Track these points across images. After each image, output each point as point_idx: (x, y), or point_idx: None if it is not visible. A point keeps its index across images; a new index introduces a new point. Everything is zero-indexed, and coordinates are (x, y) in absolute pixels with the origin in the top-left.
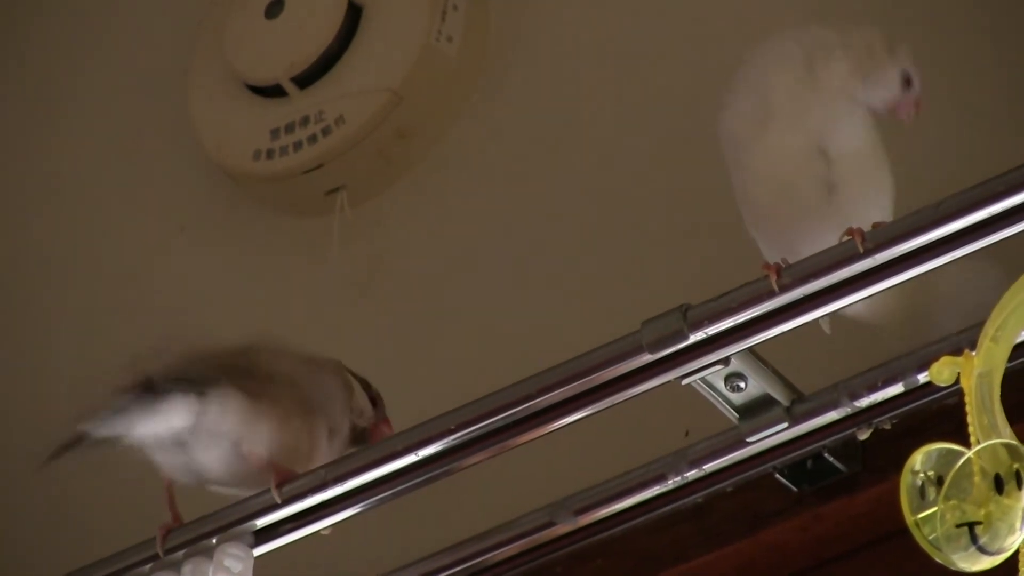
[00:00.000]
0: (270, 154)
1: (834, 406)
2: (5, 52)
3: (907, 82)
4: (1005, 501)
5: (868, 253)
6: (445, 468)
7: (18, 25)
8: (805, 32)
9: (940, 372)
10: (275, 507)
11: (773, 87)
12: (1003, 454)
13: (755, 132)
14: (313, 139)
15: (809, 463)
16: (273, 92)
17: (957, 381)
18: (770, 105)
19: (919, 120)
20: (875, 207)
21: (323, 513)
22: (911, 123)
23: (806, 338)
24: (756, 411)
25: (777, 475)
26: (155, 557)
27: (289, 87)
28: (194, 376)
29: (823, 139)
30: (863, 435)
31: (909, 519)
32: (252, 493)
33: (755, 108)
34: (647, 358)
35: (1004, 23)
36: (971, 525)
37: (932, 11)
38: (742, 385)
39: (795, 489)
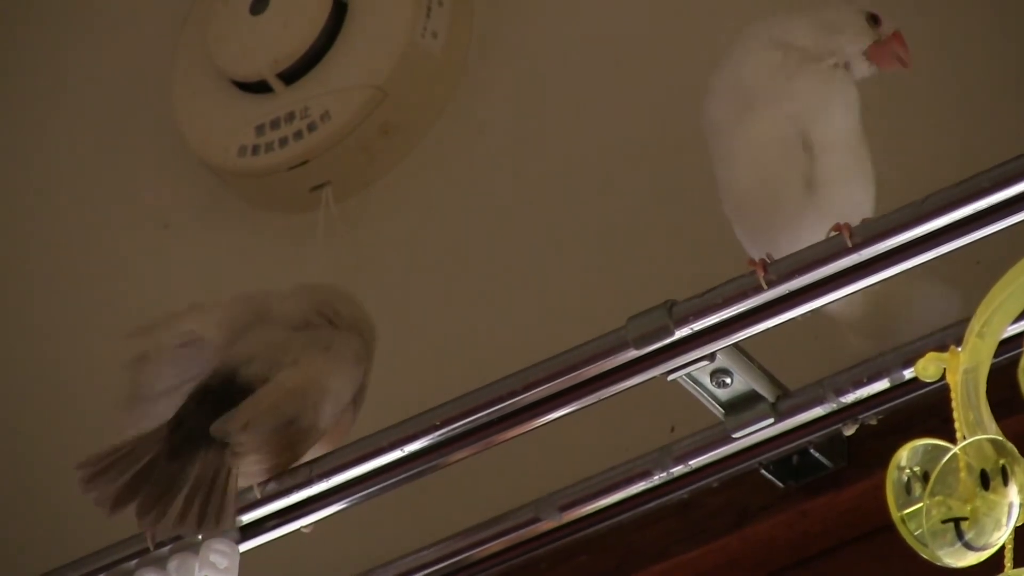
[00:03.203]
0: (255, 150)
1: (820, 402)
2: None
3: (874, 21)
4: (991, 497)
5: (856, 248)
6: (430, 464)
7: (2, 22)
8: (778, 19)
9: (926, 368)
10: (261, 503)
11: (752, 75)
12: (989, 450)
13: (735, 121)
14: (298, 135)
15: (795, 459)
16: (258, 88)
17: (943, 377)
18: (750, 94)
19: (912, 115)
20: (857, 202)
21: (309, 509)
22: (908, 68)
23: (792, 334)
24: (742, 407)
25: (763, 471)
26: (142, 552)
27: (274, 83)
28: None
29: (805, 129)
30: (849, 431)
31: (895, 515)
32: None
33: (735, 97)
34: (633, 354)
35: (997, 17)
36: (957, 521)
37: (926, 3)
38: (728, 381)
39: (781, 485)
